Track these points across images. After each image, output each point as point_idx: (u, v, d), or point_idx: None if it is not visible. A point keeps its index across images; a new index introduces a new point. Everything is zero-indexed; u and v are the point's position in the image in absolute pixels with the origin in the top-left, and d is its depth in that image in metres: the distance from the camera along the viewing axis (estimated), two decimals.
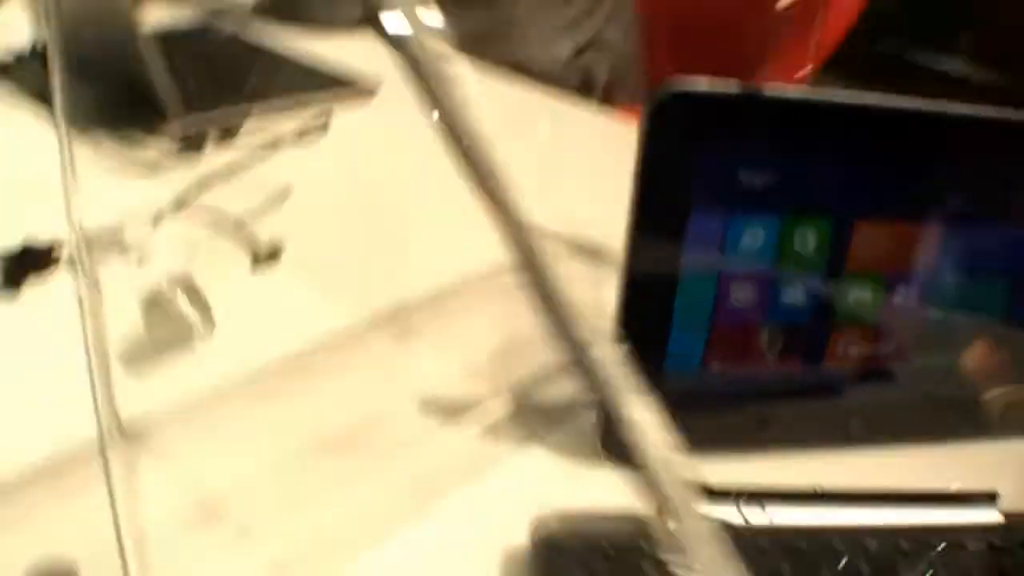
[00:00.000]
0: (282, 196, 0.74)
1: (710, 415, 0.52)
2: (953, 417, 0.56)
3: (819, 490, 0.47)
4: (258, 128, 0.85)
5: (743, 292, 0.50)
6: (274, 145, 0.83)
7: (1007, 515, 0.48)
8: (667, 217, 0.48)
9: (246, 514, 0.46)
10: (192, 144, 0.80)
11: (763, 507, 0.46)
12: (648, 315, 0.50)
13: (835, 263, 0.51)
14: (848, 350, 0.53)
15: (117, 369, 0.52)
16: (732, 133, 0.48)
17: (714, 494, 0.45)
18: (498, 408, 0.54)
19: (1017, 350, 0.55)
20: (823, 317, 0.52)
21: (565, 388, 0.56)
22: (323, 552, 0.45)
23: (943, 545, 0.45)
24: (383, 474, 0.50)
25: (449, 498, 0.48)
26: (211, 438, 0.50)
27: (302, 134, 0.85)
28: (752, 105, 0.47)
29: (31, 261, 0.61)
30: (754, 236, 0.49)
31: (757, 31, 1.42)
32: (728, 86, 0.46)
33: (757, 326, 0.51)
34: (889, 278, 0.52)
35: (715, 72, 0.43)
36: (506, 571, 0.44)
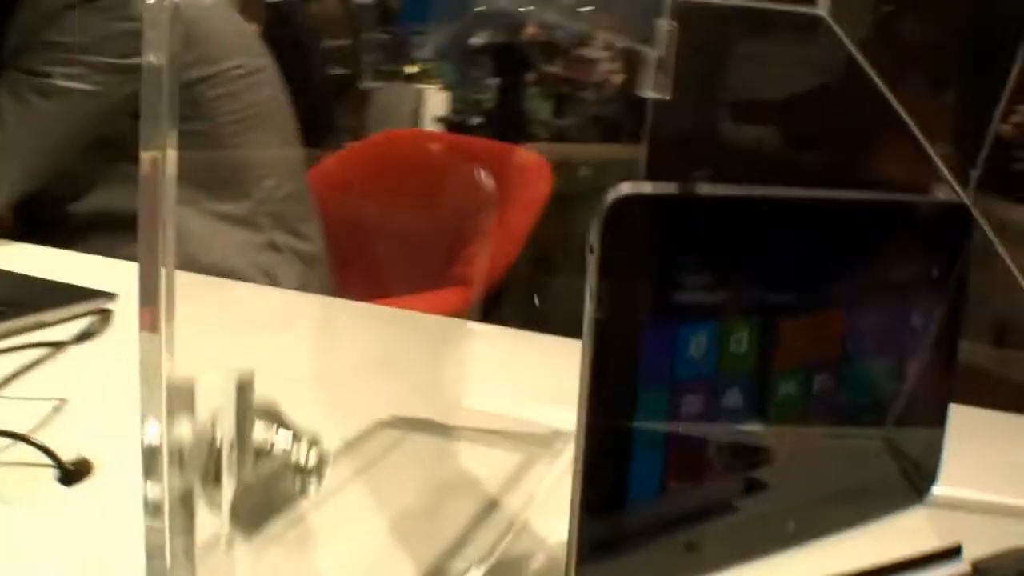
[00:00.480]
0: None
1: (662, 545, 0.49)
2: (890, 486, 0.58)
3: None
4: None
5: (693, 404, 0.49)
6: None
7: (973, 564, 0.50)
8: (621, 333, 0.46)
9: None
10: None
11: None
12: (609, 444, 0.46)
13: (766, 362, 0.51)
14: (782, 448, 0.53)
15: None
16: (674, 236, 0.47)
17: None
18: None
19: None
20: (761, 419, 0.52)
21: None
22: None
23: None
24: None
25: None
26: None
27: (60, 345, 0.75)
28: (687, 206, 0.47)
29: None
30: (698, 344, 0.48)
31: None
32: (669, 188, 0.46)
33: (707, 438, 0.50)
34: (809, 371, 0.53)
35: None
36: None
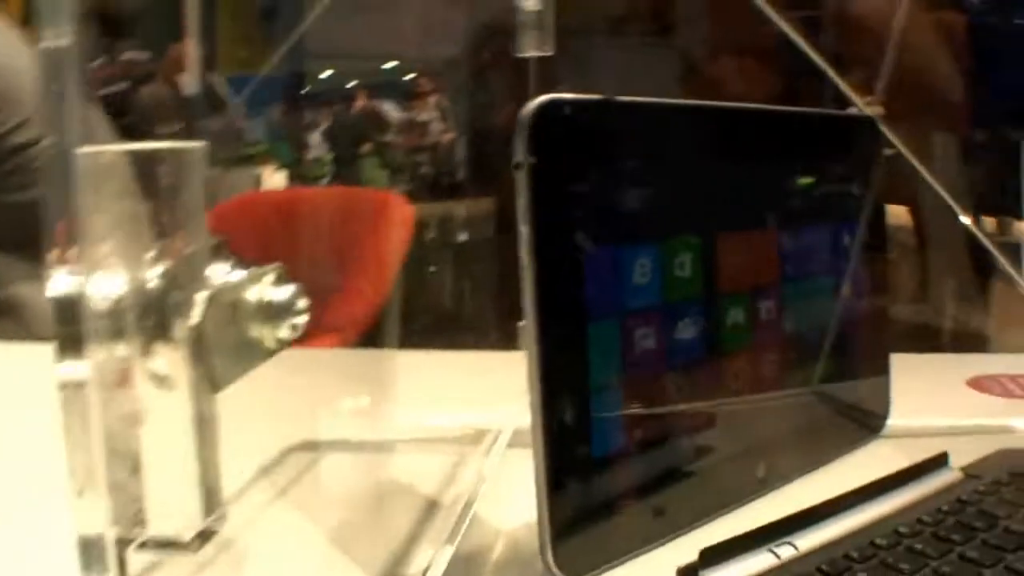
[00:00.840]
0: None
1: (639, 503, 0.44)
2: (847, 422, 0.54)
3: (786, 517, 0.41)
4: None
5: (646, 339, 0.44)
6: None
7: (963, 469, 0.47)
8: (561, 259, 0.40)
9: None
10: None
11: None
12: (566, 392, 0.41)
13: (710, 286, 0.47)
14: (740, 383, 0.49)
15: None
16: (603, 145, 0.42)
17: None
18: None
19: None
20: (713, 350, 0.47)
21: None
22: None
23: (913, 523, 0.42)
24: None
25: None
26: None
27: None
28: (613, 116, 0.43)
29: None
30: (643, 269, 0.44)
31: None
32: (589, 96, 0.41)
33: (664, 374, 0.45)
34: (753, 295, 0.49)
35: None
36: None
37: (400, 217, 1.46)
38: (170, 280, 0.21)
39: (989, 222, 0.93)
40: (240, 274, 0.22)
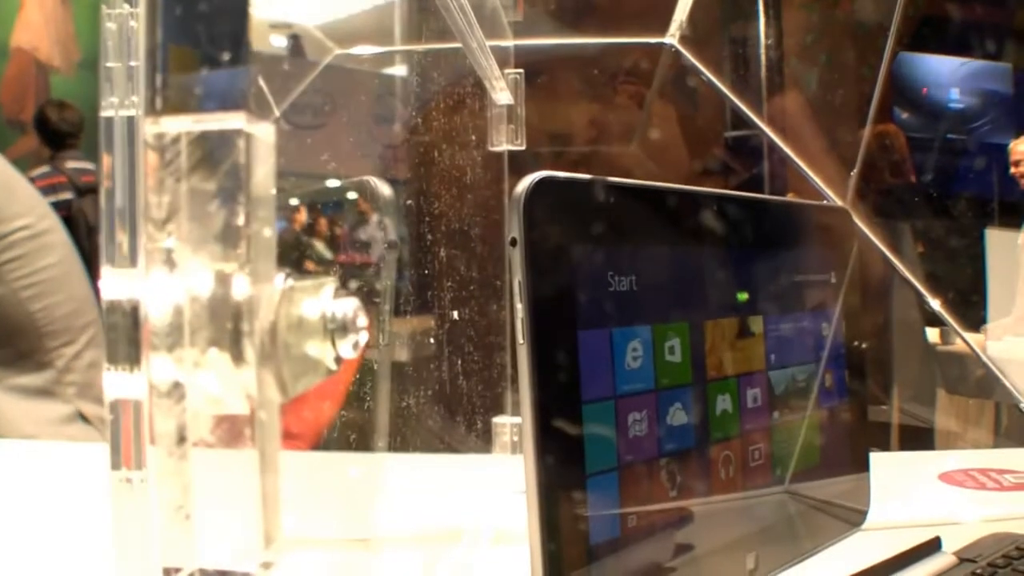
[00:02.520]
0: None
1: None
2: (830, 514, 0.53)
3: None
4: None
5: (639, 425, 0.43)
6: None
7: (957, 554, 0.47)
8: (558, 342, 0.40)
9: None
10: None
11: None
12: (563, 477, 0.40)
13: (699, 371, 0.46)
14: (729, 470, 0.48)
15: None
16: (596, 229, 0.42)
17: None
18: None
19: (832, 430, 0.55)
20: (703, 437, 0.46)
21: None
22: None
23: None
24: None
25: None
26: None
27: None
28: (602, 196, 0.42)
29: None
30: (635, 352, 0.43)
31: None
32: (582, 176, 0.41)
33: (656, 459, 0.44)
34: (740, 383, 0.49)
35: None
36: None
37: None
38: (243, 273, 0.19)
39: (932, 333, 0.95)
40: (300, 285, 0.21)
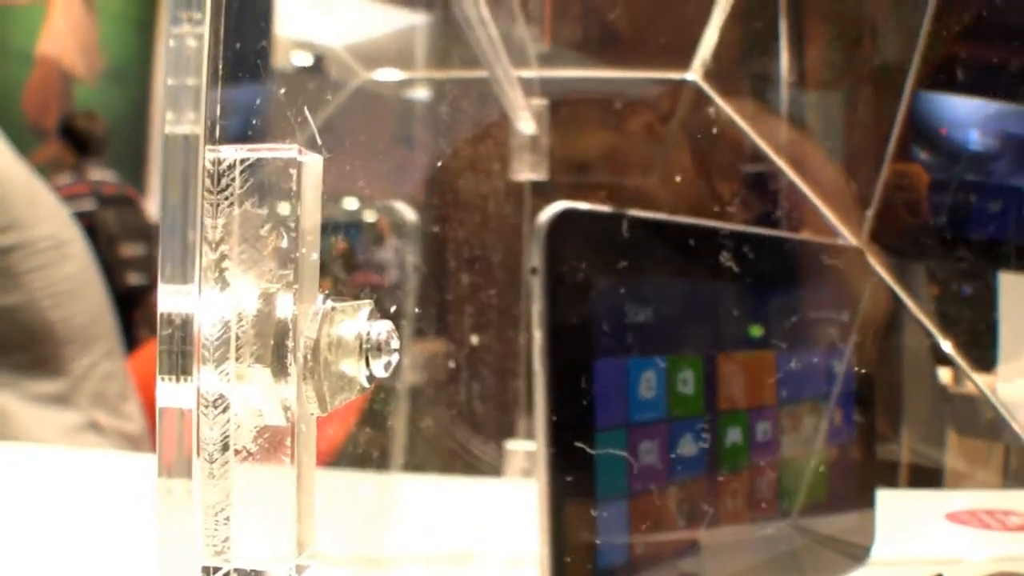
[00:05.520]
0: None
1: None
2: (833, 550, 0.54)
3: None
4: None
5: (650, 453, 0.44)
6: None
7: None
8: (573, 365, 0.41)
9: None
10: None
11: None
12: (573, 497, 0.41)
13: (711, 404, 0.47)
14: (736, 502, 0.49)
15: None
16: (616, 261, 0.43)
17: None
18: None
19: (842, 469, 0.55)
20: (712, 469, 0.47)
21: None
22: None
23: None
24: None
25: None
26: None
27: None
28: (625, 228, 0.44)
29: None
30: (648, 383, 0.44)
31: None
32: (604, 208, 0.42)
33: (666, 489, 0.45)
34: (751, 416, 0.50)
35: None
36: None
37: None
38: (289, 293, 0.20)
39: (943, 374, 0.95)
40: (337, 306, 0.22)
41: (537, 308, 0.40)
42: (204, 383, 0.19)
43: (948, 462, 0.88)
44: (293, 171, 0.21)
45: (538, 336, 0.39)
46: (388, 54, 0.72)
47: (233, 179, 0.20)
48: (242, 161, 0.21)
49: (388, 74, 0.71)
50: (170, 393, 0.19)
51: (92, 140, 2.90)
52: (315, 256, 0.22)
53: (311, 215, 0.21)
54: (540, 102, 0.61)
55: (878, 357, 0.57)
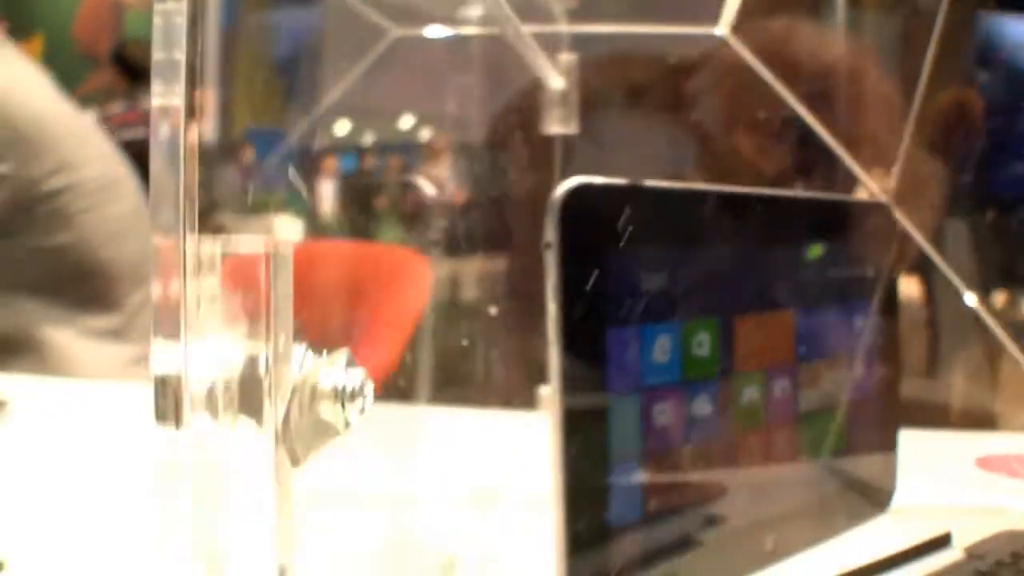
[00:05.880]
0: None
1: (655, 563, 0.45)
2: (854, 498, 0.56)
3: None
4: None
5: (664, 415, 0.46)
6: None
7: (966, 549, 0.48)
8: (587, 336, 0.42)
9: None
10: None
11: None
12: (587, 460, 0.43)
13: (727, 365, 0.49)
14: (752, 457, 0.50)
15: None
16: (630, 227, 0.44)
17: None
18: None
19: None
20: (728, 426, 0.49)
21: None
22: None
23: None
24: None
25: None
26: None
27: None
28: (641, 200, 0.45)
29: None
30: (663, 348, 0.45)
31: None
32: (619, 182, 0.44)
33: (680, 448, 0.47)
34: (768, 374, 0.51)
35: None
36: None
37: (417, 276, 1.48)
38: (261, 365, 0.23)
39: (1000, 298, 0.95)
40: (317, 359, 0.24)
41: (551, 282, 0.41)
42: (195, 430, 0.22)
43: (989, 404, 0.89)
44: (261, 265, 0.23)
45: (552, 309, 0.41)
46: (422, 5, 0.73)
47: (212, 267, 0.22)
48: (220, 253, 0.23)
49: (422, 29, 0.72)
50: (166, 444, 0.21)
51: (144, 68, 2.93)
52: (286, 334, 0.24)
53: (284, 287, 0.23)
54: (569, 57, 0.61)
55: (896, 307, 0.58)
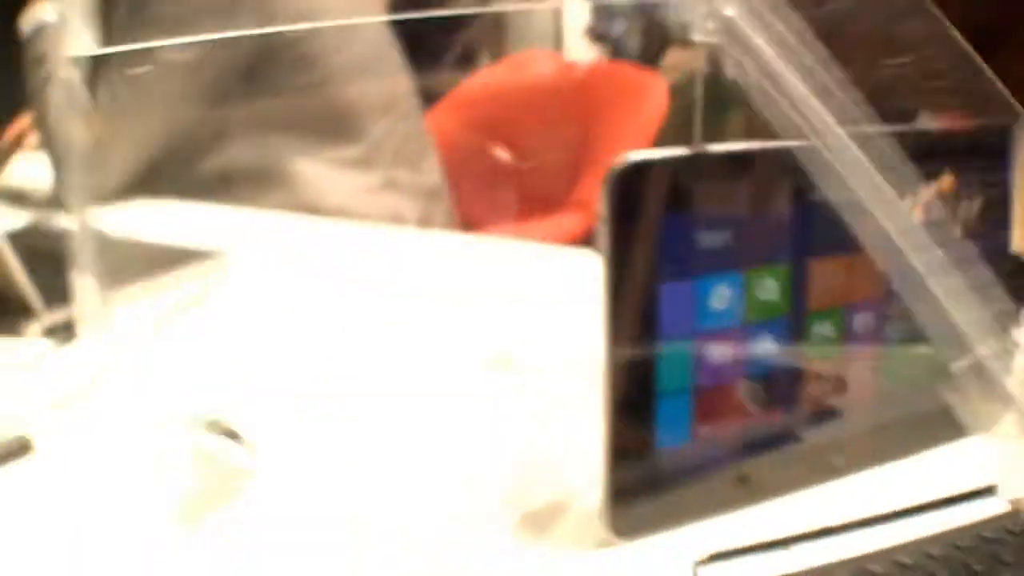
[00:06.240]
0: None
1: (699, 482, 0.52)
2: (929, 425, 0.58)
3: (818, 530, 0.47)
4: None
5: (719, 351, 0.51)
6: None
7: (1014, 502, 0.50)
8: (640, 293, 0.48)
9: None
10: (62, 335, 0.75)
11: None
12: (634, 394, 0.49)
13: (798, 304, 0.52)
14: (822, 388, 0.54)
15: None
16: (688, 196, 0.48)
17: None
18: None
19: None
20: (794, 359, 0.53)
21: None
22: None
23: (945, 547, 0.46)
24: None
25: None
26: None
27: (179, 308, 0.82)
28: (700, 164, 0.48)
29: None
30: (721, 295, 0.50)
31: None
32: (677, 150, 0.47)
33: (736, 382, 0.52)
34: (848, 310, 0.54)
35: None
36: None
37: (655, 92, 1.50)
38: None
39: None
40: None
41: (604, 252, 0.46)
42: None
43: None
44: None
45: (605, 274, 0.46)
46: None
47: None
48: None
49: None
50: None
51: None
52: None
53: None
54: None
55: None
